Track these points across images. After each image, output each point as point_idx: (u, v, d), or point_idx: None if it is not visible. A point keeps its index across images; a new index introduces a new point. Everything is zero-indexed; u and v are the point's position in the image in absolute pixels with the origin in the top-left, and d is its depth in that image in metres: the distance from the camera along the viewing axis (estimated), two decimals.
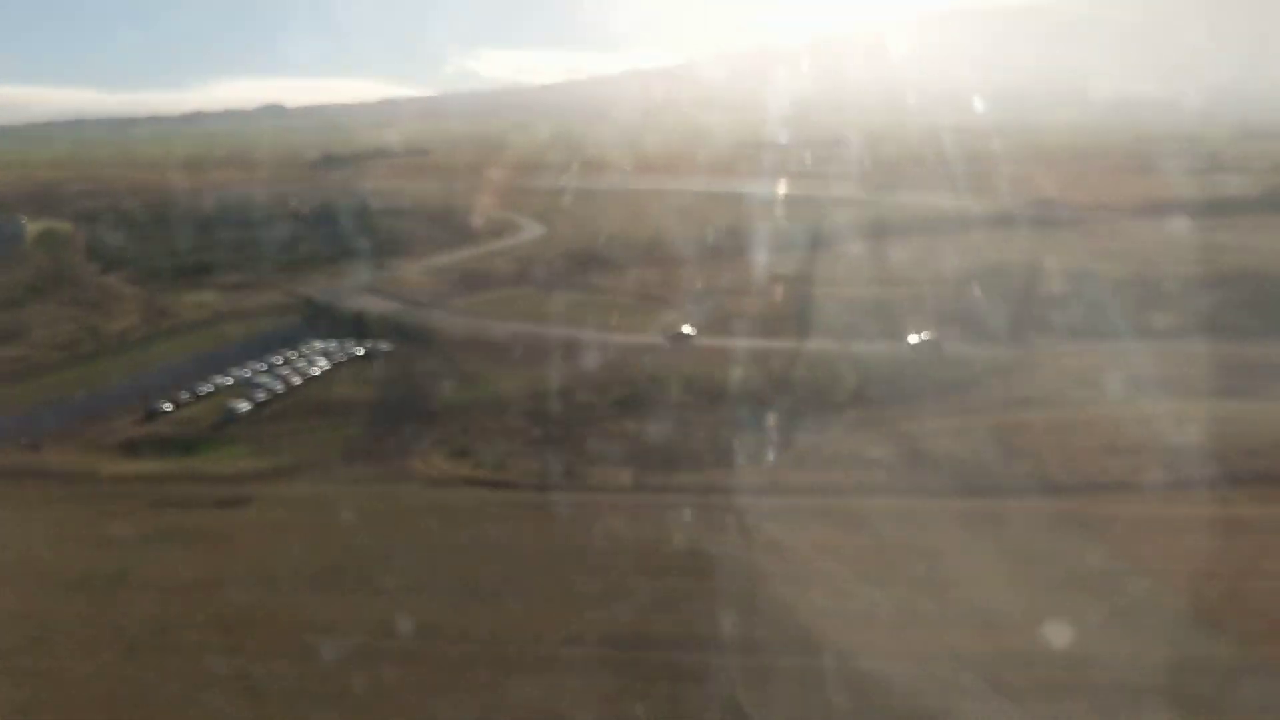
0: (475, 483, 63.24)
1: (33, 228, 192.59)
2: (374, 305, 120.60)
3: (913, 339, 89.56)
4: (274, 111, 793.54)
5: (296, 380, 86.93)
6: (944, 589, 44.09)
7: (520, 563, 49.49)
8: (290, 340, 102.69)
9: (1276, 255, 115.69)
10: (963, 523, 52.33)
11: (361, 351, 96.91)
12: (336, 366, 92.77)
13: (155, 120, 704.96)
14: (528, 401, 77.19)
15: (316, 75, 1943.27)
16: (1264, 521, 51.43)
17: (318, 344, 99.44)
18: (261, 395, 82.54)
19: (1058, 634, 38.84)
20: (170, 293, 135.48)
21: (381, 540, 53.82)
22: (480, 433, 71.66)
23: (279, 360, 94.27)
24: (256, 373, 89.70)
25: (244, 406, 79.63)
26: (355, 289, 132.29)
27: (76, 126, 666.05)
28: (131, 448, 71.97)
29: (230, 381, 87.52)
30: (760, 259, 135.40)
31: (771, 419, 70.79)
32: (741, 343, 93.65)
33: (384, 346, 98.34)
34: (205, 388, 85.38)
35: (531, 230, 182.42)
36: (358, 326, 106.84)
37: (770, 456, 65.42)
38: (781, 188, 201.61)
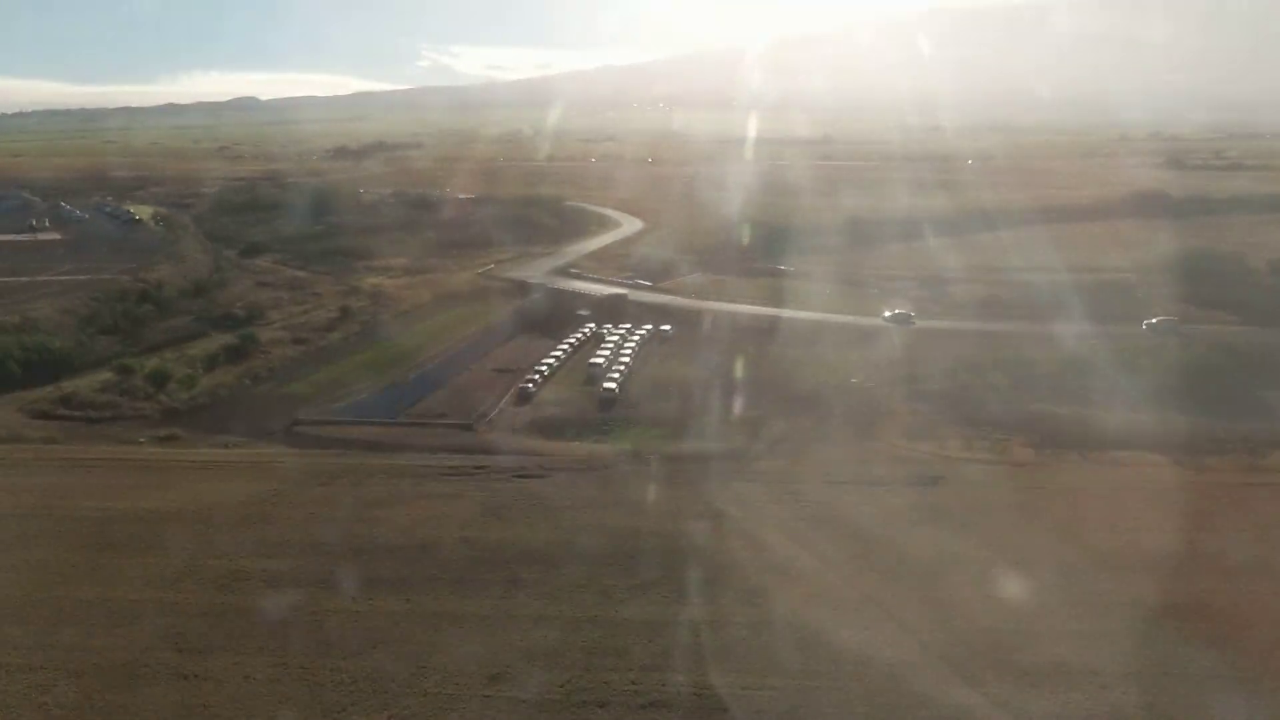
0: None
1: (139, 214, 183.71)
2: (590, 289, 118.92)
3: (1150, 321, 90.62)
4: (247, 104, 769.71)
5: (626, 361, 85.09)
6: None
7: None
8: (538, 324, 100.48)
9: None
10: None
11: (666, 329, 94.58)
12: (643, 347, 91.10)
13: (128, 112, 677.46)
14: (914, 382, 75.88)
15: (287, 70, 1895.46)
16: None
17: (608, 326, 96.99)
18: (617, 374, 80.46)
19: None
20: (339, 276, 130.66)
21: None
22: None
23: (574, 341, 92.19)
24: (597, 354, 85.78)
25: (611, 386, 77.57)
26: (549, 273, 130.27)
27: (48, 118, 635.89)
28: (554, 429, 68.80)
29: (552, 362, 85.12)
30: (923, 244, 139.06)
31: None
32: (966, 325, 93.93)
33: (667, 329, 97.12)
34: (540, 367, 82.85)
35: (629, 222, 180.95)
36: (609, 310, 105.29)
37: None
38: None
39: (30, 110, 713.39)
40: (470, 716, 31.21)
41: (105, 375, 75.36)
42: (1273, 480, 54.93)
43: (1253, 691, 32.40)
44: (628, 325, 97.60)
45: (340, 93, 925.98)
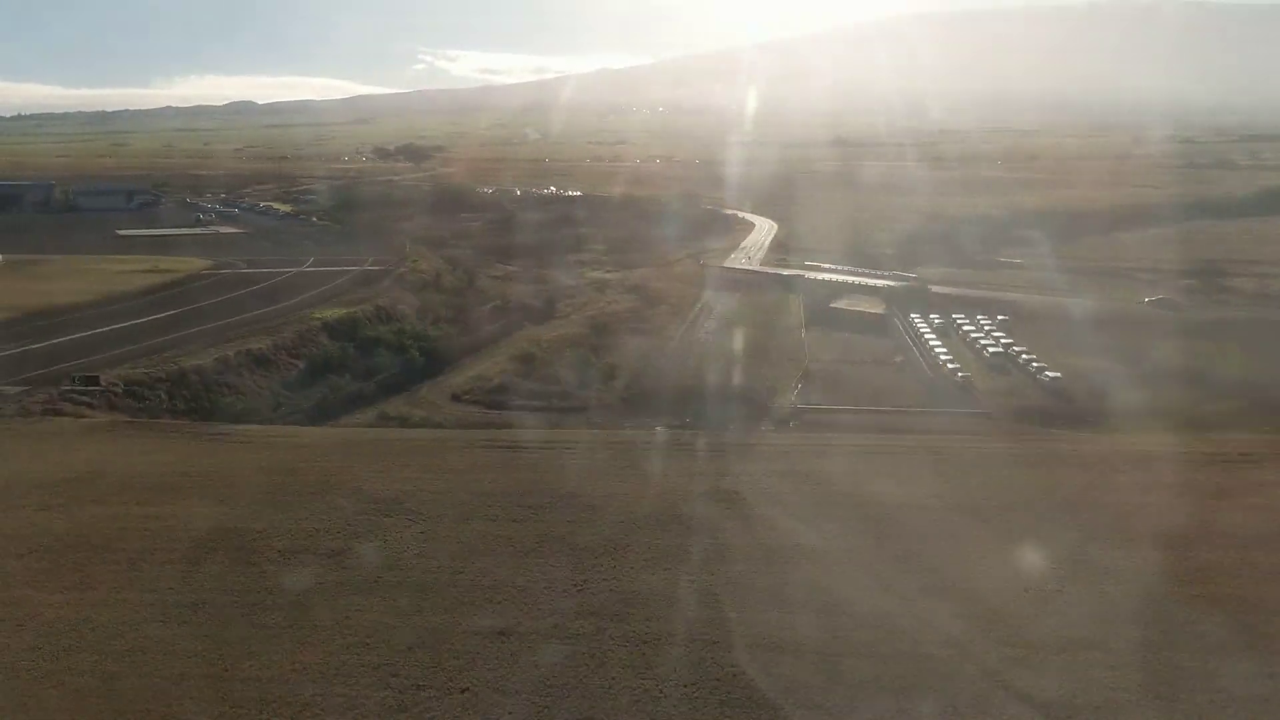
0: None
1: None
2: (847, 279, 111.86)
3: None
4: (245, 108, 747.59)
5: (1020, 350, 78.29)
6: None
7: None
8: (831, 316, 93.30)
9: None
10: None
11: (1004, 319, 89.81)
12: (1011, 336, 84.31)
13: (127, 115, 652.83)
14: None
15: (281, 73, 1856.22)
16: None
17: (956, 317, 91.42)
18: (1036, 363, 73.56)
19: None
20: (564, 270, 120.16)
21: None
22: None
23: (927, 331, 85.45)
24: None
25: (1056, 374, 70.44)
26: (764, 263, 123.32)
27: (46, 121, 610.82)
28: (1058, 419, 61.16)
29: (943, 352, 78.11)
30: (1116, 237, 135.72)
31: None
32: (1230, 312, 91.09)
33: (1004, 318, 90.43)
34: (945, 358, 75.47)
35: (758, 220, 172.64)
36: (907, 300, 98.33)
37: None
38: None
39: (28, 113, 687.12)
40: None
41: (500, 363, 66.08)
42: None
43: None
44: (961, 315, 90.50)
45: (335, 96, 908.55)
